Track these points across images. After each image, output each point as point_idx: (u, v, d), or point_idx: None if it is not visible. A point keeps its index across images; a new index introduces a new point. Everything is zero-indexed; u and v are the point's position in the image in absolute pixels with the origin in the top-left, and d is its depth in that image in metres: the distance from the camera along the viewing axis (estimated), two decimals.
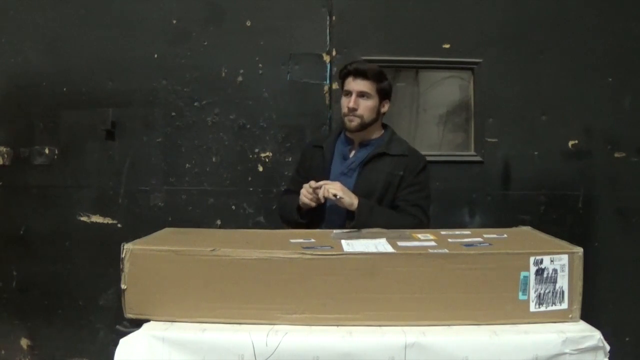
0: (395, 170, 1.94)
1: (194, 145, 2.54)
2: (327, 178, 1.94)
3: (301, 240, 1.51)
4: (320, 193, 1.83)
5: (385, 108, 2.01)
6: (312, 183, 1.86)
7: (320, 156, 2.02)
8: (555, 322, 1.35)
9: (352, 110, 1.93)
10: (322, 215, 1.93)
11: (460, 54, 2.52)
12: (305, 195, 1.87)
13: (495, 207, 2.53)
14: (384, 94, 1.99)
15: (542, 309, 1.36)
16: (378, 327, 1.33)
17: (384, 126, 2.07)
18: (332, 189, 1.82)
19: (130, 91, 2.53)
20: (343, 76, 1.99)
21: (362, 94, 1.93)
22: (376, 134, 2.03)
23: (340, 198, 1.81)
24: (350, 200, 1.83)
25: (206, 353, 1.28)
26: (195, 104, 2.53)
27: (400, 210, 1.92)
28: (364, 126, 1.96)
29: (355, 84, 1.94)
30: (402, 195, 1.94)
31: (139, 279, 1.38)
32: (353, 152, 2.01)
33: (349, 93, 1.95)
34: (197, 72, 2.52)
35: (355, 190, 1.89)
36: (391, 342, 1.27)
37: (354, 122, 1.94)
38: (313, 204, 1.87)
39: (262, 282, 1.36)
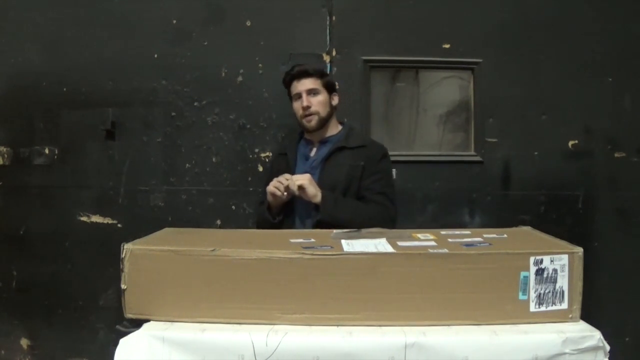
0: (356, 162, 1.98)
1: (194, 145, 2.54)
2: None
3: (301, 240, 1.51)
4: (290, 185, 1.87)
5: (335, 101, 2.08)
6: (287, 175, 1.90)
7: (285, 162, 2.07)
8: (555, 322, 1.35)
9: (307, 109, 1.99)
10: (293, 212, 1.97)
11: (460, 54, 2.52)
12: (277, 186, 1.89)
13: (495, 207, 2.53)
14: (331, 88, 2.06)
15: (542, 309, 1.36)
16: (378, 327, 1.33)
17: (342, 123, 2.13)
18: (299, 179, 1.87)
19: (130, 91, 2.53)
20: (287, 83, 2.06)
21: (311, 91, 2.00)
22: (334, 130, 2.08)
23: (305, 189, 1.85)
24: (315, 192, 1.87)
25: (206, 353, 1.28)
26: (195, 104, 2.53)
27: (366, 200, 1.96)
28: (322, 122, 2.02)
29: (302, 84, 2.01)
30: (365, 184, 1.98)
31: (139, 279, 1.38)
32: (314, 151, 2.06)
33: (299, 95, 2.02)
34: (197, 72, 2.52)
35: (319, 186, 1.92)
36: (391, 342, 1.27)
37: (313, 121, 2.01)
38: (281, 195, 1.89)
39: (262, 282, 1.36)
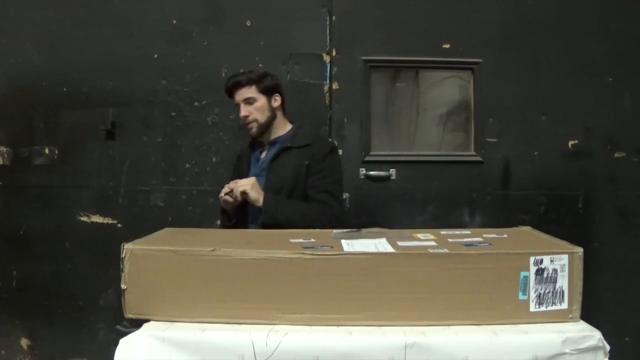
0: (301, 161, 2.01)
1: (194, 145, 2.54)
2: None
3: (301, 240, 1.51)
4: (235, 190, 1.93)
5: (277, 102, 2.10)
6: (236, 181, 1.97)
7: (240, 166, 2.17)
8: (555, 322, 1.35)
9: (246, 118, 2.06)
10: (246, 214, 2.03)
11: (460, 54, 2.52)
12: (227, 193, 1.95)
13: (495, 207, 2.52)
14: (270, 90, 2.08)
15: (542, 309, 1.36)
16: (378, 327, 1.33)
17: (293, 122, 2.16)
18: (242, 186, 1.93)
19: (130, 91, 2.53)
20: (228, 95, 2.11)
21: (247, 101, 2.06)
22: (282, 130, 2.12)
23: (247, 194, 1.92)
24: (257, 196, 1.92)
25: (206, 353, 1.28)
26: (195, 104, 2.53)
27: (310, 199, 1.98)
28: (263, 127, 2.07)
29: (238, 95, 2.07)
30: (310, 182, 2.00)
31: (139, 279, 1.38)
32: (264, 153, 2.11)
33: (237, 106, 2.08)
34: (197, 72, 2.52)
35: (266, 188, 1.97)
36: (391, 342, 1.27)
37: (253, 128, 2.08)
38: (231, 200, 1.95)
39: (262, 282, 1.36)
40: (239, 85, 2.07)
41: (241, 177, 2.06)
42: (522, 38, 2.52)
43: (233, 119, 2.51)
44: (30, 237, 2.56)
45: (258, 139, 2.12)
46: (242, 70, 2.16)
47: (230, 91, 2.09)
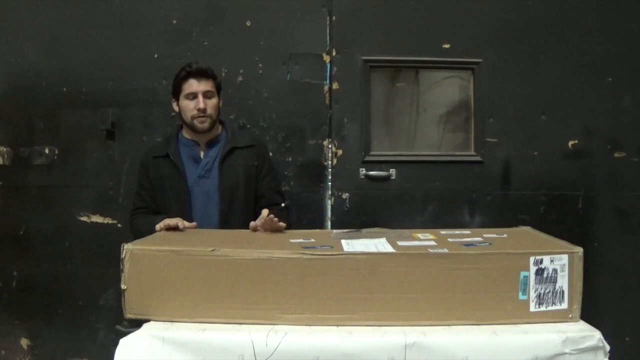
0: (249, 162, 2.03)
1: None
2: (183, 185, 1.98)
3: (301, 240, 1.52)
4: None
5: (221, 104, 2.08)
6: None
7: (168, 165, 2.01)
8: (555, 322, 1.36)
9: (204, 111, 1.97)
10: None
11: (460, 54, 2.52)
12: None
13: (495, 207, 2.52)
14: (219, 90, 2.07)
15: (542, 308, 1.36)
16: (378, 327, 1.33)
17: (222, 122, 2.14)
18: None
19: (130, 91, 2.52)
20: (182, 78, 2.00)
21: (207, 93, 1.99)
22: (217, 130, 2.08)
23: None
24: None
25: (206, 353, 1.28)
26: None
27: (265, 200, 2.02)
28: (213, 125, 2.02)
29: (199, 85, 1.98)
30: (264, 184, 2.05)
31: (139, 279, 1.38)
32: (202, 153, 2.04)
33: (193, 95, 1.98)
34: None
35: (220, 189, 1.96)
36: (391, 342, 1.27)
37: (206, 123, 1.99)
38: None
39: (262, 282, 1.36)
40: (205, 74, 1.99)
41: (173, 177, 1.98)
42: (522, 38, 2.52)
43: (233, 119, 2.51)
44: (30, 237, 2.56)
45: (199, 134, 2.01)
46: (197, 62, 2.06)
47: (189, 77, 1.97)
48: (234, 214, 1.98)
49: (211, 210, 1.98)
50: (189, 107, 1.99)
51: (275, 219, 1.72)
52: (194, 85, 1.98)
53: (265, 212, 1.74)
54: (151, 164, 2.06)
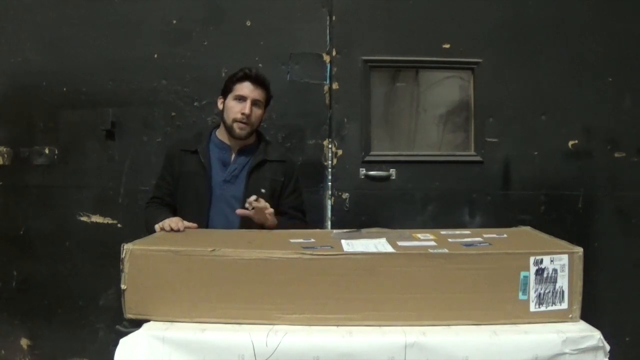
0: (276, 177, 2.01)
1: None
2: (207, 185, 1.95)
3: (301, 240, 1.52)
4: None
5: (264, 115, 2.05)
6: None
7: (195, 162, 1.98)
8: (555, 322, 1.36)
9: (246, 117, 1.94)
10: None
11: (460, 54, 2.52)
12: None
13: (495, 207, 2.52)
14: (267, 105, 2.04)
15: (542, 308, 1.36)
16: (378, 327, 1.33)
17: (257, 132, 2.09)
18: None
19: (130, 91, 2.53)
20: (238, 79, 1.97)
21: (256, 102, 1.96)
22: (251, 139, 2.04)
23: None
24: (273, 220, 1.88)
25: (206, 353, 1.29)
26: (195, 104, 2.53)
27: (291, 217, 2.00)
28: (250, 134, 1.99)
29: (253, 91, 1.95)
30: (288, 202, 2.03)
31: (139, 279, 1.38)
32: (233, 158, 2.02)
33: (242, 98, 1.95)
34: (197, 72, 2.51)
35: (244, 198, 1.89)
36: (391, 342, 1.27)
37: (245, 130, 1.96)
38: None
39: (262, 282, 1.36)
40: (262, 84, 1.97)
41: (198, 175, 1.95)
42: (522, 38, 2.52)
43: None
44: (30, 237, 2.56)
45: (234, 139, 1.98)
46: (257, 69, 2.05)
47: (246, 79, 1.95)
48: (254, 225, 1.90)
49: (233, 217, 1.91)
50: (234, 108, 1.95)
51: (263, 203, 1.81)
52: (247, 89, 1.95)
53: (252, 197, 1.81)
54: (177, 157, 2.01)
